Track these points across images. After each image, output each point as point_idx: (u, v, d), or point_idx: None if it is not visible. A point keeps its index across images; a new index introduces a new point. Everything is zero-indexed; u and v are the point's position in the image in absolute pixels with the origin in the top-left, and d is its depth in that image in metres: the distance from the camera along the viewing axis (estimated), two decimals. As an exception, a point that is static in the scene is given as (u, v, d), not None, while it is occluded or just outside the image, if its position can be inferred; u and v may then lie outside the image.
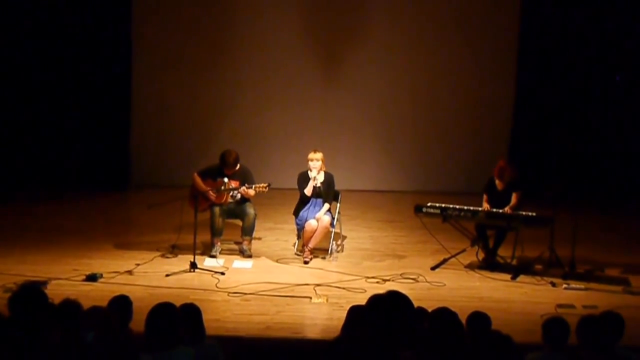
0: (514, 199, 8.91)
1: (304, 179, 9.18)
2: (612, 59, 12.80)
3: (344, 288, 8.07)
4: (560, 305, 7.58)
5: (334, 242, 9.34)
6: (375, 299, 5.24)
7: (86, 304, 5.15)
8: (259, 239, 9.82)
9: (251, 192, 8.99)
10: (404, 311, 5.12)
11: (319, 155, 9.11)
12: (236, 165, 9.09)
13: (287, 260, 9.13)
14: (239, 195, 9.16)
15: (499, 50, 13.02)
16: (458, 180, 12.91)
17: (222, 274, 8.42)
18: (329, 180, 9.20)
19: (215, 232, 9.12)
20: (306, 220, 9.03)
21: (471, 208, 8.79)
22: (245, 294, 7.81)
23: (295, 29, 13.12)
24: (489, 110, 13.17)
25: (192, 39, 13.08)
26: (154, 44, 13.07)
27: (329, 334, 6.46)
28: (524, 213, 8.63)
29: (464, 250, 9.02)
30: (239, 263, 8.93)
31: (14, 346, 4.61)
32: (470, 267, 8.91)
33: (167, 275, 8.32)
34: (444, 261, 8.94)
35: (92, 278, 8.10)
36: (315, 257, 9.12)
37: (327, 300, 7.71)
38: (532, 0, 12.82)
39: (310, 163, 9.10)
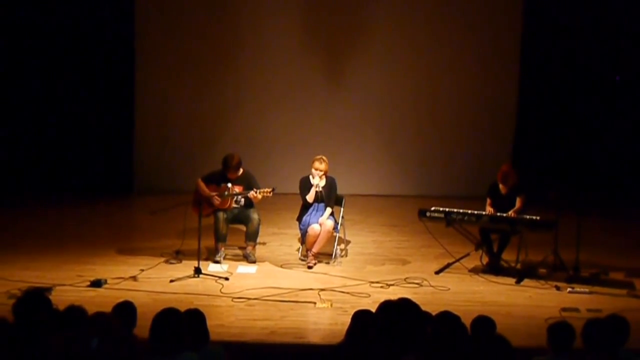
0: (518, 202, 8.90)
1: (305, 184, 9.17)
2: (612, 59, 12.81)
3: (348, 293, 8.06)
4: (564, 309, 7.57)
5: (338, 247, 9.35)
6: (386, 305, 5.24)
7: (90, 309, 5.16)
8: (263, 244, 9.82)
9: (258, 196, 8.97)
10: (413, 319, 5.12)
11: (324, 165, 9.08)
12: (239, 169, 9.09)
13: (291, 265, 9.13)
14: (243, 201, 9.16)
15: (502, 52, 13.03)
16: (461, 184, 12.89)
17: (226, 279, 8.42)
18: (330, 184, 9.19)
19: (220, 238, 9.12)
20: (309, 225, 9.03)
21: (475, 212, 8.78)
22: (250, 299, 7.82)
23: (297, 32, 13.13)
24: (492, 113, 13.17)
25: (195, 43, 13.09)
26: (156, 49, 13.08)
27: (333, 338, 6.46)
28: (527, 217, 8.62)
29: (468, 255, 9.02)
30: (243, 268, 8.93)
31: (19, 352, 4.61)
32: (475, 271, 8.90)
33: (171, 281, 8.33)
34: (448, 265, 8.94)
35: (97, 284, 8.10)
36: (319, 261, 9.12)
37: (331, 305, 7.71)
38: (535, 1, 12.83)
39: (313, 171, 9.10)
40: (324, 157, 9.17)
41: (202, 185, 9.14)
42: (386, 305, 5.25)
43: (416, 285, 8.38)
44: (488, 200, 9.08)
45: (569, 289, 8.26)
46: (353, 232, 10.42)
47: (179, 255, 9.18)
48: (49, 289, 7.65)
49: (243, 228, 9.31)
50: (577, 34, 12.72)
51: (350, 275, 8.71)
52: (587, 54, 12.75)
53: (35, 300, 5.12)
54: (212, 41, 13.11)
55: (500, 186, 9.00)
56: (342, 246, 9.64)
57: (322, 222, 9.02)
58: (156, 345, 4.70)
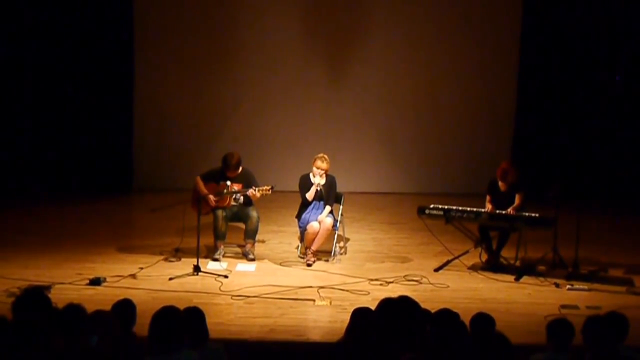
0: (517, 200, 8.90)
1: (305, 182, 9.16)
2: (612, 59, 12.81)
3: (347, 290, 8.06)
4: (563, 306, 7.58)
5: (337, 245, 9.35)
6: (386, 303, 5.24)
7: (90, 308, 5.15)
8: (262, 241, 9.82)
9: (257, 194, 8.97)
10: (413, 317, 5.13)
11: (325, 164, 9.07)
12: (238, 168, 9.09)
13: (290, 262, 9.13)
14: (242, 199, 9.16)
15: (501, 50, 13.03)
16: (460, 182, 12.91)
17: (226, 277, 8.42)
18: (330, 182, 9.19)
19: (219, 236, 9.12)
20: (308, 223, 9.03)
21: (474, 209, 8.78)
22: (249, 296, 7.81)
23: (296, 30, 13.13)
24: (491, 111, 13.19)
25: (194, 41, 13.08)
26: (155, 47, 13.07)
27: (332, 336, 6.45)
28: (527, 214, 8.62)
29: (467, 252, 9.02)
30: (242, 266, 8.93)
31: (18, 351, 4.61)
32: (474, 268, 8.90)
33: (170, 279, 8.32)
34: (447, 263, 8.94)
35: (96, 282, 8.10)
36: (318, 259, 9.12)
37: (330, 302, 7.71)
38: (535, 1, 12.83)
39: (315, 169, 9.09)
40: (325, 156, 9.16)
41: (201, 183, 9.13)
42: (385, 303, 5.25)
43: (415, 283, 8.39)
44: (488, 197, 9.08)
45: (568, 286, 8.26)
46: (352, 230, 10.42)
47: (178, 253, 9.18)
48: (48, 287, 7.64)
49: (242, 226, 9.30)
50: (577, 34, 12.71)
51: (350, 272, 8.71)
52: (587, 54, 12.74)
53: (34, 298, 5.12)
54: (211, 39, 13.10)
55: (500, 183, 9.00)
56: (342, 244, 9.65)
57: (321, 220, 9.02)
58: (155, 344, 4.70)
